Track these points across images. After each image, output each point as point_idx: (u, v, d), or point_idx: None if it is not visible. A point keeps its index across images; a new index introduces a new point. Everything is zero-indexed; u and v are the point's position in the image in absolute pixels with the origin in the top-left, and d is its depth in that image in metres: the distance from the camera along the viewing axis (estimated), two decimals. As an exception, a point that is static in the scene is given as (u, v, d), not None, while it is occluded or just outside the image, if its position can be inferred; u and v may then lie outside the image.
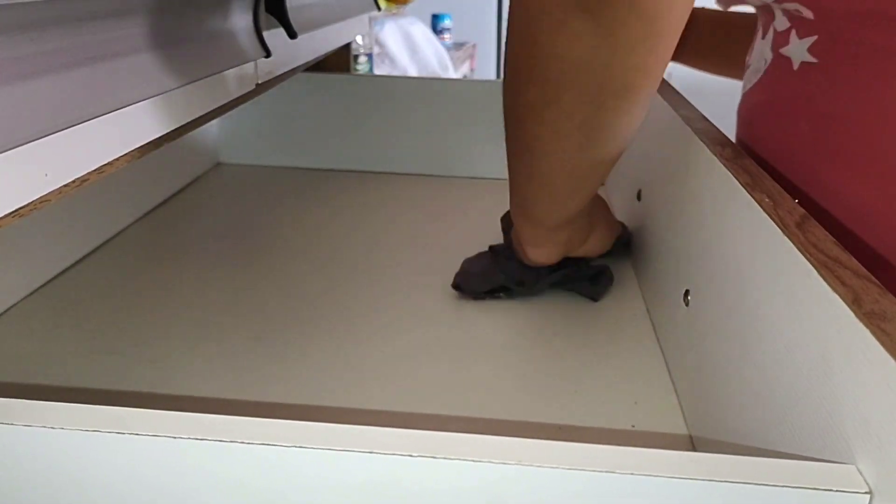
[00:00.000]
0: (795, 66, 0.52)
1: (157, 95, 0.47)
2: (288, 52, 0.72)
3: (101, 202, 0.75)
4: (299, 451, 0.28)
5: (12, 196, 0.36)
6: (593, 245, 0.64)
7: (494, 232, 0.70)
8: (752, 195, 0.40)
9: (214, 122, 0.99)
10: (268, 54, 0.64)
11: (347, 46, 1.09)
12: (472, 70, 2.53)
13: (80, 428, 0.29)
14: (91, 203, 0.73)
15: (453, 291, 0.66)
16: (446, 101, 0.97)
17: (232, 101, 0.60)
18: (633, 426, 0.49)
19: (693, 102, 0.64)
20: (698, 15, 0.84)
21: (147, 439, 0.28)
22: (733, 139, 0.54)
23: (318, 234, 0.80)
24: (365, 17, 1.07)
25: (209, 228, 0.81)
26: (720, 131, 0.53)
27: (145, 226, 0.81)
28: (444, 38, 2.35)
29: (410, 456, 0.27)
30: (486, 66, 2.75)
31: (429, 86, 0.99)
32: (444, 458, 0.27)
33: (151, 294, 0.65)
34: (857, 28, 0.47)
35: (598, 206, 0.64)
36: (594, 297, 0.65)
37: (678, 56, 0.82)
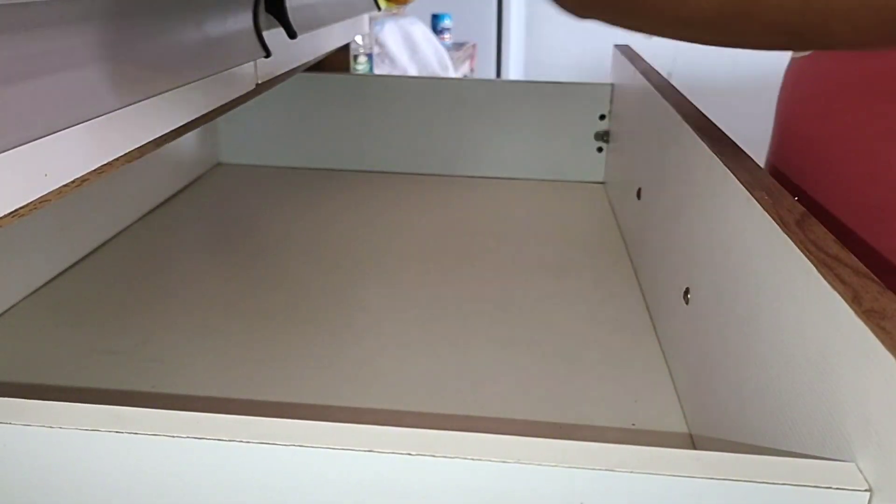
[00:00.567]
0: None
1: (157, 95, 0.47)
2: (288, 52, 0.72)
3: (101, 202, 0.75)
4: (299, 451, 0.28)
5: (12, 196, 0.36)
6: None
7: (493, 230, 0.70)
8: (751, 193, 0.40)
9: (214, 122, 0.99)
10: (268, 54, 0.64)
11: (347, 46, 1.09)
12: (472, 70, 2.53)
13: (80, 428, 0.29)
14: (91, 203, 0.73)
15: (453, 290, 0.66)
16: (446, 101, 0.98)
17: (232, 101, 0.60)
18: (634, 424, 0.49)
19: (693, 102, 0.64)
20: None
21: (147, 439, 0.28)
22: (733, 139, 0.54)
23: (318, 233, 0.80)
24: (365, 17, 1.07)
25: (209, 228, 0.81)
26: (720, 130, 0.53)
27: (145, 226, 0.81)
28: (444, 38, 2.35)
29: (410, 455, 0.27)
30: (486, 66, 2.75)
31: (429, 86, 0.99)
32: (444, 457, 0.27)
33: (151, 294, 0.65)
34: None
35: None
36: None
37: None
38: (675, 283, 0.55)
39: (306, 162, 1.02)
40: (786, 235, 0.35)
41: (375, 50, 1.72)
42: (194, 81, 0.52)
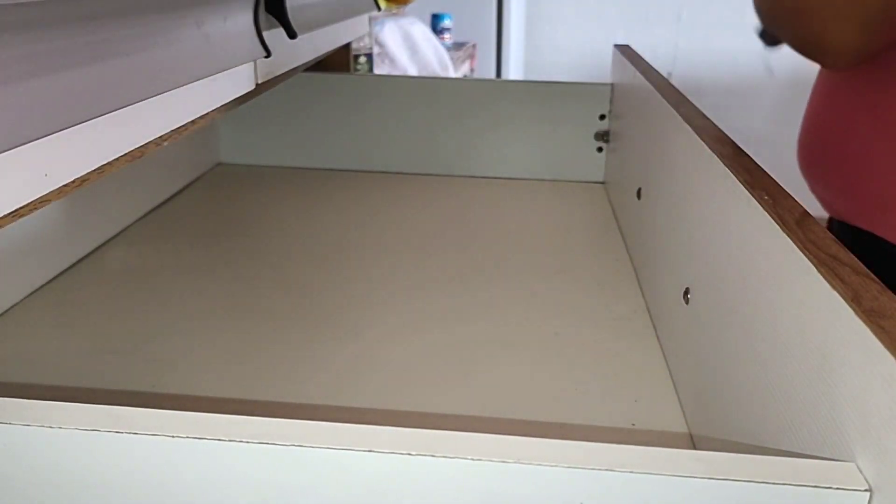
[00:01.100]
0: None
1: (157, 95, 0.47)
2: (288, 52, 0.72)
3: (101, 202, 0.75)
4: (299, 451, 0.28)
5: (12, 196, 0.36)
6: None
7: (493, 230, 0.70)
8: (751, 193, 0.40)
9: (214, 122, 0.99)
10: (268, 54, 0.64)
11: (347, 46, 1.09)
12: (472, 70, 2.53)
13: (80, 427, 0.29)
14: (91, 203, 0.73)
15: (453, 290, 0.66)
16: (446, 101, 0.98)
17: (232, 101, 0.60)
18: (634, 424, 0.49)
19: (693, 102, 0.64)
20: None
21: (147, 439, 0.28)
22: (732, 139, 0.54)
23: (318, 233, 0.80)
24: (365, 17, 1.07)
25: (209, 228, 0.81)
26: (720, 130, 0.53)
27: (145, 226, 0.81)
28: (444, 38, 2.35)
29: (410, 455, 0.27)
30: (486, 66, 2.75)
31: (429, 86, 0.99)
32: (444, 457, 0.27)
33: (151, 294, 0.65)
34: None
35: None
36: None
37: None
38: (675, 283, 0.55)
39: (306, 162, 1.02)
40: (786, 235, 0.35)
41: (375, 50, 1.72)
42: (194, 81, 0.52)
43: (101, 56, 0.42)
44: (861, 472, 0.27)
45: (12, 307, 0.62)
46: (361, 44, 1.47)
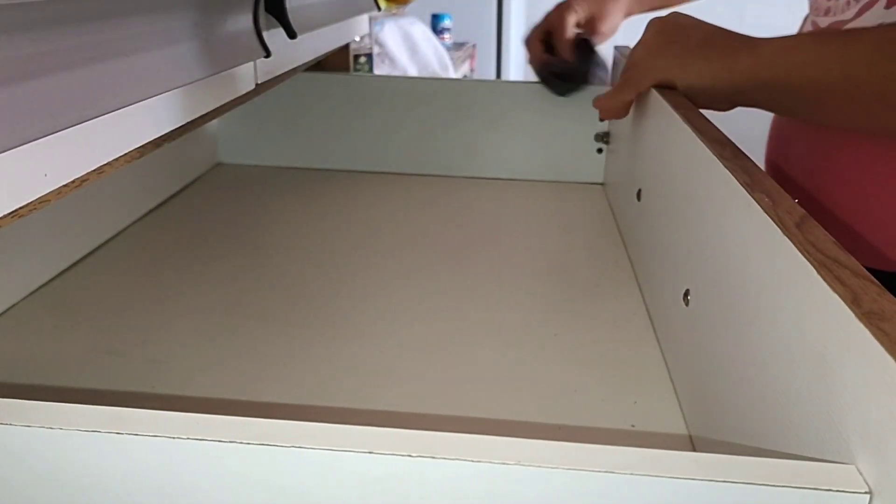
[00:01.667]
0: None
1: (157, 95, 0.47)
2: (288, 52, 0.72)
3: (101, 202, 0.75)
4: (299, 452, 0.28)
5: (12, 196, 0.36)
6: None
7: (493, 231, 0.70)
8: (751, 195, 0.40)
9: (214, 122, 0.99)
10: (268, 54, 0.64)
11: (347, 46, 1.09)
12: (472, 70, 2.53)
13: (80, 428, 0.29)
14: (91, 203, 0.73)
15: (453, 291, 0.66)
16: (446, 101, 0.98)
17: (232, 101, 0.60)
18: (633, 426, 0.49)
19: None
20: None
21: (146, 439, 0.28)
22: (732, 141, 0.54)
23: (317, 233, 0.80)
24: (365, 17, 1.07)
25: (209, 228, 0.81)
26: (720, 131, 0.53)
27: (145, 226, 0.81)
28: (444, 38, 2.35)
29: (410, 456, 0.27)
30: (486, 66, 2.75)
31: (429, 86, 0.99)
32: (444, 458, 0.27)
33: (151, 294, 0.65)
34: None
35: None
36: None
37: None
38: (675, 285, 0.55)
39: (306, 162, 1.02)
40: (785, 237, 0.35)
41: (375, 50, 1.72)
42: (194, 81, 0.52)
43: (101, 56, 0.42)
44: (861, 474, 0.27)
45: (12, 307, 0.62)
46: (361, 44, 1.47)
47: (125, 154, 0.45)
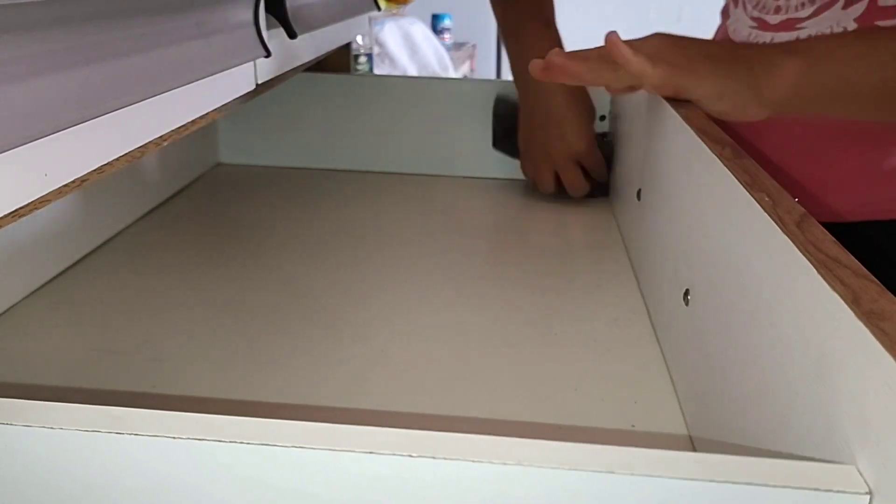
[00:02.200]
0: None
1: (157, 95, 0.47)
2: (288, 52, 0.72)
3: (101, 202, 0.75)
4: (299, 451, 0.28)
5: (12, 196, 0.36)
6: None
7: (494, 231, 0.70)
8: (751, 194, 0.40)
9: (214, 122, 0.99)
10: (268, 54, 0.64)
11: (347, 46, 1.09)
12: (472, 70, 2.53)
13: (80, 428, 0.29)
14: (91, 203, 0.73)
15: (453, 291, 0.66)
16: (446, 101, 0.97)
17: (232, 101, 0.60)
18: (633, 426, 0.49)
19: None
20: None
21: (147, 439, 0.28)
22: (732, 140, 0.54)
23: (317, 233, 0.80)
24: (365, 17, 1.07)
25: (209, 228, 0.81)
26: (720, 130, 0.53)
27: (145, 226, 0.81)
28: (444, 38, 2.35)
29: (410, 456, 0.27)
30: (486, 66, 2.75)
31: (429, 86, 0.99)
32: (444, 458, 0.27)
33: (151, 294, 0.65)
34: None
35: None
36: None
37: None
38: (675, 285, 0.55)
39: (306, 162, 1.02)
40: (785, 236, 0.35)
41: (375, 50, 1.72)
42: (194, 81, 0.52)
43: (100, 56, 0.42)
44: (861, 474, 0.27)
45: (12, 307, 0.62)
46: (361, 44, 1.47)
47: (125, 154, 0.45)
